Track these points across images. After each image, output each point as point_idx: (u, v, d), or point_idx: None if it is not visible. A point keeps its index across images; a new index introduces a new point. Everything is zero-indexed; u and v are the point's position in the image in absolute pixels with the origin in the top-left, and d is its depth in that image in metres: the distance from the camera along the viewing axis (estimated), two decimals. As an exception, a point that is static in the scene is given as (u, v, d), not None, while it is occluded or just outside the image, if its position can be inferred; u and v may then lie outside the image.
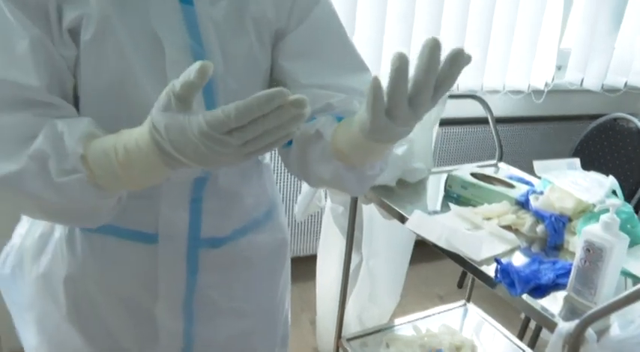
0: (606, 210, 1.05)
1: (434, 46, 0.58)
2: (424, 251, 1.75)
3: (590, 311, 0.94)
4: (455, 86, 2.28)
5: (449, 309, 2.10)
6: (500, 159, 1.90)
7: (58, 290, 0.85)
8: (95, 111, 0.74)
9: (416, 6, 2.08)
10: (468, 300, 2.13)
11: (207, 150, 0.58)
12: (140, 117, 0.66)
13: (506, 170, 1.84)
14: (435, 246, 1.28)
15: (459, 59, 0.61)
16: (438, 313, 2.07)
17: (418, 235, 1.36)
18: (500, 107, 2.53)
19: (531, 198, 1.44)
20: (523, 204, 1.46)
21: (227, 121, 0.55)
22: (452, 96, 1.75)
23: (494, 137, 1.87)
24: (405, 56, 0.59)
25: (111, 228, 0.81)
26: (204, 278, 0.88)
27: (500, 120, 2.37)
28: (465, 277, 2.59)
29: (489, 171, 1.70)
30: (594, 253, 1.03)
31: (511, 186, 1.56)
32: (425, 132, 1.67)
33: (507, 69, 2.41)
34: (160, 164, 0.64)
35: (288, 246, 1.03)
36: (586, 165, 1.59)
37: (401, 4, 2.05)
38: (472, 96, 1.83)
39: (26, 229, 0.89)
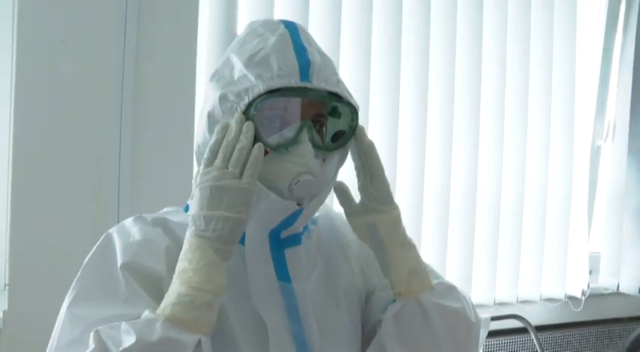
0: None
1: None
2: None
3: None
4: (491, 300, 2.27)
5: None
6: (549, 378, 1.83)
7: None
8: None
9: (449, 221, 2.17)
10: None
11: None
12: None
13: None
14: None
15: None
16: None
17: None
18: (538, 316, 2.48)
19: None
20: None
21: None
22: (494, 318, 1.74)
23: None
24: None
25: None
26: None
27: (538, 329, 2.32)
28: None
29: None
30: None
31: None
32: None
33: (541, 279, 2.42)
34: None
35: None
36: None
37: (435, 227, 2.15)
38: (513, 316, 1.82)
39: None
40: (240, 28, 1.59)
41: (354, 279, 0.94)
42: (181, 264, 0.77)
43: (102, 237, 0.87)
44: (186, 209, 0.93)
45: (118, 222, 0.93)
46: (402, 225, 0.91)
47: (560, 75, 2.40)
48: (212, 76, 0.88)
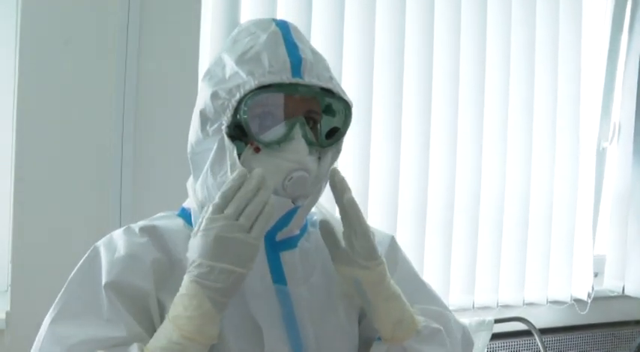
0: None
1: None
2: None
3: None
4: (495, 302, 2.26)
5: None
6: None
7: None
8: None
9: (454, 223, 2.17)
10: None
11: None
12: None
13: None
14: None
15: None
16: None
17: None
18: (544, 318, 2.47)
19: None
20: None
21: None
22: (498, 321, 1.73)
23: (546, 360, 1.81)
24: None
25: None
26: None
27: (543, 331, 2.31)
28: None
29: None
30: None
31: None
32: (475, 360, 1.63)
33: (547, 281, 2.40)
34: None
35: None
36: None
37: (440, 228, 2.14)
38: (518, 318, 1.81)
39: None
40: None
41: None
42: (176, 308, 0.76)
43: (89, 250, 0.86)
44: (181, 213, 0.92)
45: (120, 224, 0.93)
46: (386, 278, 0.89)
47: (565, 76, 2.38)
48: (204, 75, 0.88)
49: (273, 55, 0.82)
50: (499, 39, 2.24)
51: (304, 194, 0.85)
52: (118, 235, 0.86)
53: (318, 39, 1.88)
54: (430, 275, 2.11)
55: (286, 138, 0.81)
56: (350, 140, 1.93)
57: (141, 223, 0.88)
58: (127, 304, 0.78)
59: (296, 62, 0.83)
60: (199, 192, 0.86)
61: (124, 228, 0.88)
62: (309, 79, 0.83)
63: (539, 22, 2.32)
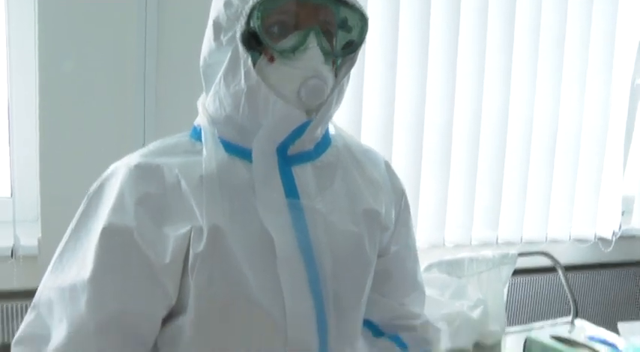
0: None
1: None
2: None
3: None
4: (519, 238, 2.25)
5: None
6: (576, 316, 1.82)
7: None
8: (206, 328, 0.77)
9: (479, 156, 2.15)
10: None
11: None
12: (254, 330, 0.73)
13: (582, 328, 1.75)
14: None
15: None
16: None
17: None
18: (567, 255, 2.47)
19: (620, 365, 1.36)
20: (611, 372, 1.38)
21: None
22: (521, 254, 1.73)
23: (568, 294, 1.82)
24: None
25: None
26: None
27: (567, 268, 2.31)
28: None
29: (564, 330, 1.63)
30: None
31: (595, 350, 1.49)
32: (496, 292, 1.65)
33: (572, 218, 2.39)
34: None
35: None
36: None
37: (464, 161, 2.12)
38: (542, 253, 1.81)
39: None
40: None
41: (378, 205, 0.92)
42: None
43: (96, 186, 0.87)
44: (192, 133, 0.91)
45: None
46: None
47: (601, 7, 2.29)
48: None
49: None
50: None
51: (321, 103, 0.84)
52: (119, 172, 0.85)
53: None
54: (454, 211, 2.11)
55: (301, 46, 0.80)
56: (375, 60, 1.91)
57: (141, 156, 0.86)
58: (116, 249, 0.78)
59: None
60: (211, 104, 0.86)
61: (126, 162, 0.86)
62: None
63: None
